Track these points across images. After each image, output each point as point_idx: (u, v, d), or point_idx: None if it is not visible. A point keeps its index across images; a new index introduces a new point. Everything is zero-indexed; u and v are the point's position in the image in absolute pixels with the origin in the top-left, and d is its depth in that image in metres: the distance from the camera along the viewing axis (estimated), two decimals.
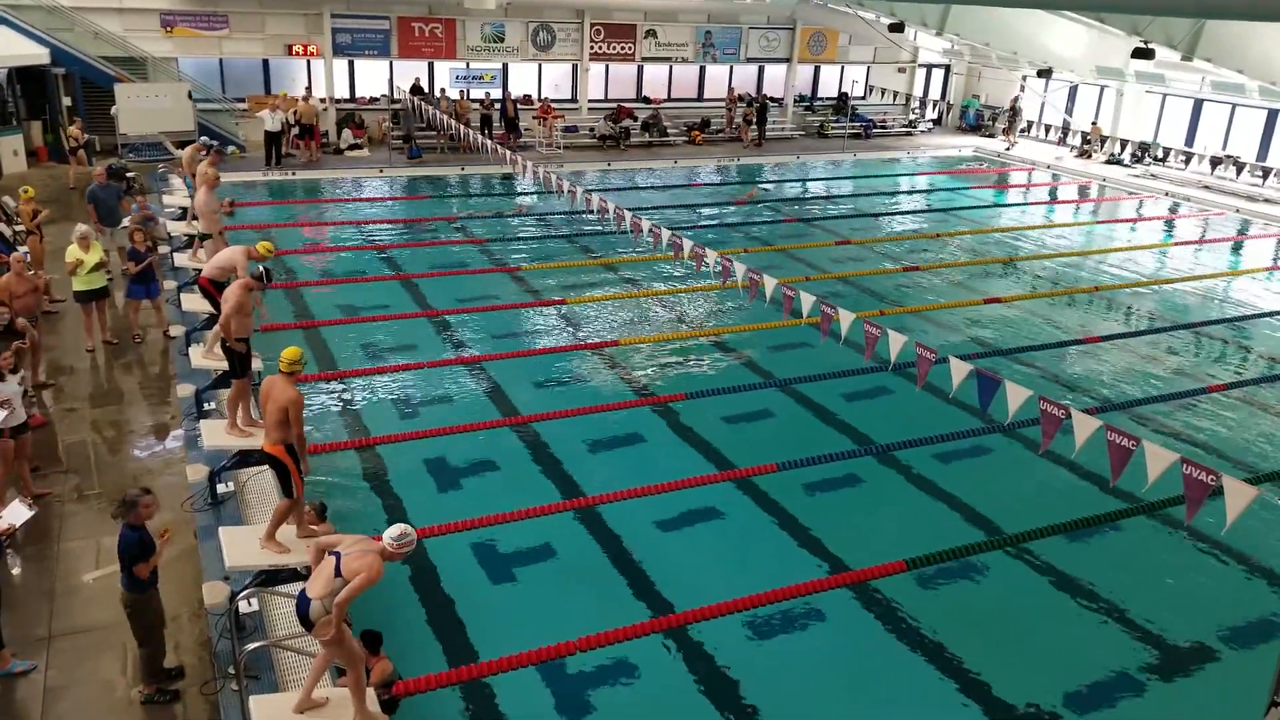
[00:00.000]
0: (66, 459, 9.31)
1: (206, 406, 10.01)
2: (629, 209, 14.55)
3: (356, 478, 9.45)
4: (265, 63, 24.78)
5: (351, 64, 25.61)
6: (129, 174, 17.37)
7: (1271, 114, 25.03)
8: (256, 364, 9.91)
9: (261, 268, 9.29)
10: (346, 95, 25.76)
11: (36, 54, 20.48)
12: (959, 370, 8.36)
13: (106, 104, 21.43)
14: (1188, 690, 7.24)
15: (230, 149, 22.78)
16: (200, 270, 11.22)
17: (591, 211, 15.79)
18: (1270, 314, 16.18)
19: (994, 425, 10.52)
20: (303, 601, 5.64)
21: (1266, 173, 24.60)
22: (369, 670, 6.44)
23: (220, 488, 8.54)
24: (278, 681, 6.45)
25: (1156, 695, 7.15)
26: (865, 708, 6.96)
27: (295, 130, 22.92)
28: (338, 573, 5.58)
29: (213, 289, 10.20)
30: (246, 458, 8.44)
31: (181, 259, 13.68)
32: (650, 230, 13.51)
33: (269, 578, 6.92)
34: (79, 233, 11.57)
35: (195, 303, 11.88)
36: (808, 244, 18.81)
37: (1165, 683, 7.29)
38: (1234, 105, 25.93)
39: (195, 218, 13.71)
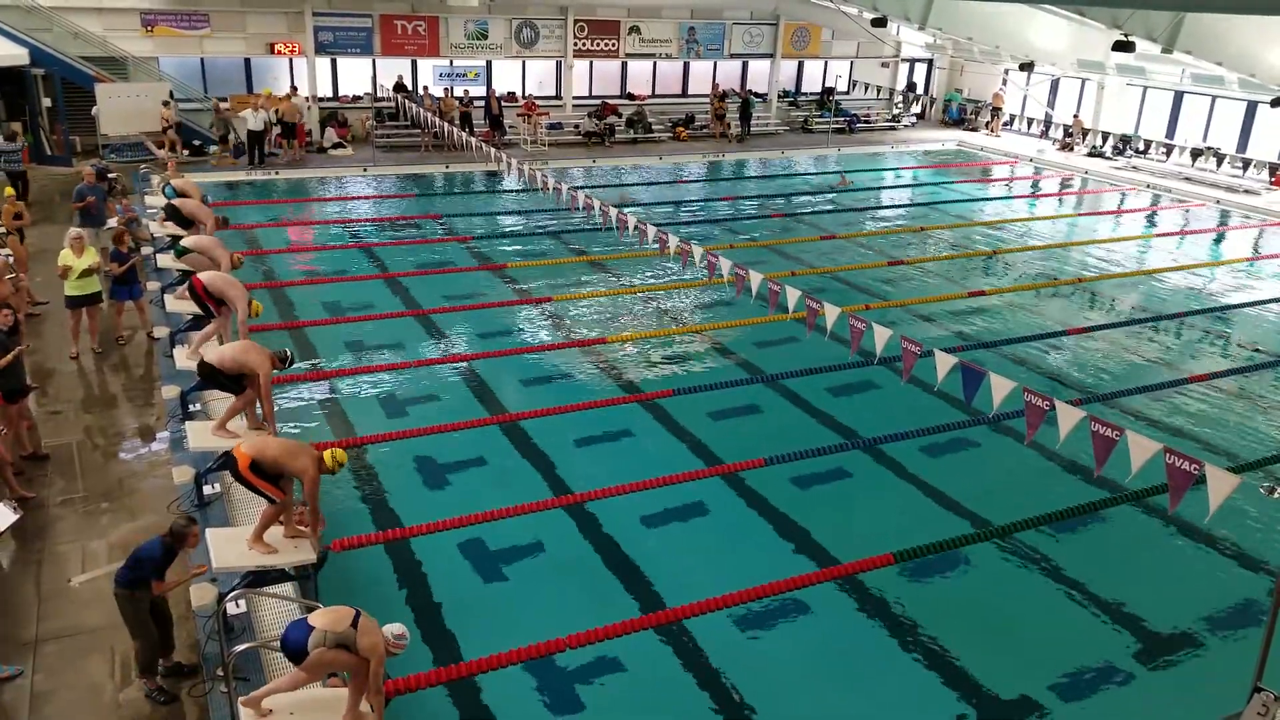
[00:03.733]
0: (52, 462, 9.24)
1: (192, 408, 9.96)
2: (614, 205, 14.57)
3: (344, 477, 9.41)
4: (247, 61, 24.63)
5: (334, 62, 25.49)
6: (111, 175, 17.25)
7: (1251, 106, 25.25)
8: None
9: (287, 350, 8.87)
10: (329, 94, 25.65)
11: (15, 55, 20.27)
12: (944, 363, 8.42)
13: (87, 104, 21.26)
14: (1172, 677, 7.32)
15: (212, 149, 22.69)
16: (192, 271, 11.11)
17: (577, 208, 15.79)
18: (1251, 304, 16.33)
19: (979, 417, 10.59)
20: (301, 629, 5.55)
21: (1246, 164, 24.82)
22: None
23: (207, 489, 8.50)
24: (266, 682, 6.42)
25: (1141, 682, 7.22)
26: (854, 700, 6.99)
27: (278, 129, 22.80)
28: (354, 624, 5.55)
29: (205, 294, 10.09)
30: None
31: (165, 260, 13.58)
32: (636, 226, 13.53)
33: (257, 579, 6.89)
34: (71, 235, 11.41)
35: (179, 304, 11.78)
36: (793, 239, 18.86)
37: (1150, 670, 7.36)
38: (1214, 97, 26.14)
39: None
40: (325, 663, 5.55)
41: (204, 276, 10.23)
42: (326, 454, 7.04)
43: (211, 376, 8.56)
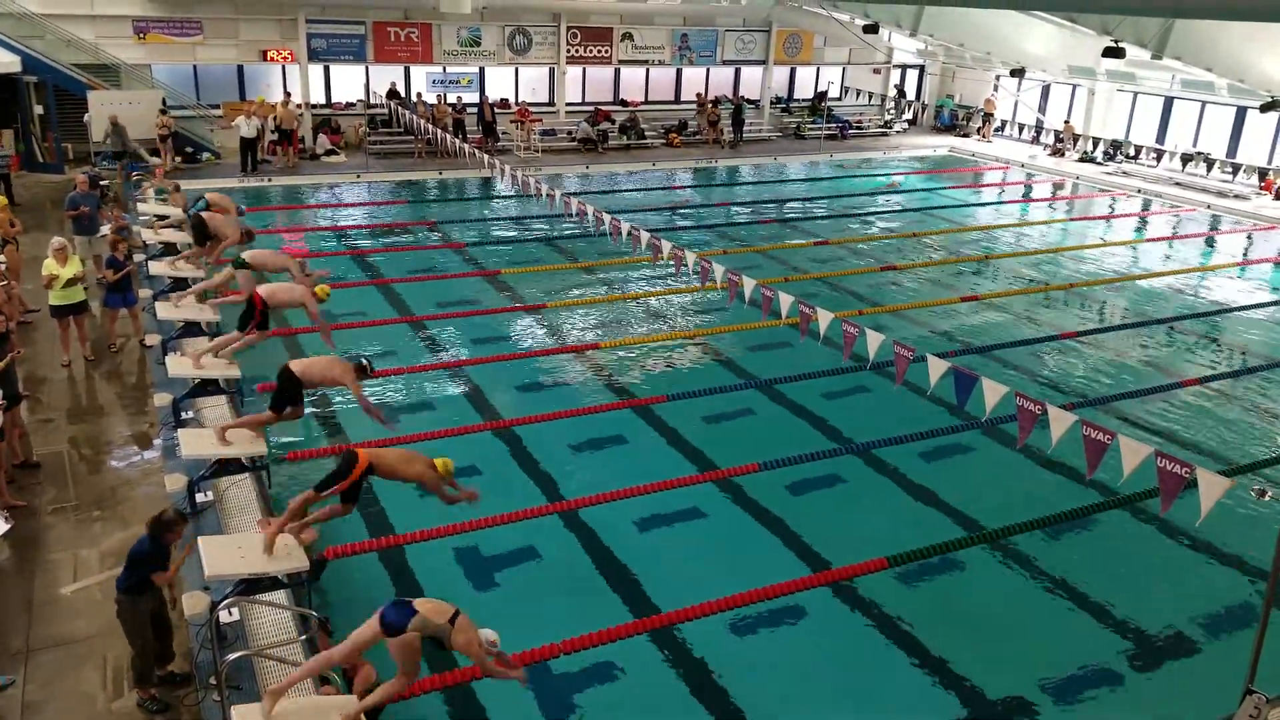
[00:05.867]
0: (43, 471, 9.21)
1: (184, 415, 9.94)
2: (608, 212, 14.59)
3: None
4: (240, 69, 24.64)
5: (327, 69, 25.50)
6: (103, 182, 17.23)
7: (1240, 111, 25.40)
8: None
9: (364, 360, 8.83)
10: (322, 100, 25.65)
11: (7, 62, 20.25)
12: (936, 368, 8.46)
13: (79, 112, 21.22)
14: (1165, 680, 7.34)
15: (205, 155, 22.71)
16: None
17: (571, 215, 15.82)
18: (1241, 308, 16.43)
19: (972, 422, 10.62)
20: (403, 610, 5.60)
21: (1236, 169, 24.97)
22: (352, 679, 6.41)
23: (199, 497, 8.47)
24: (259, 691, 6.40)
25: (1135, 685, 7.24)
26: (848, 702, 7.00)
27: (274, 136, 22.82)
28: (451, 620, 5.62)
29: (261, 306, 9.89)
30: (225, 466, 8.38)
31: (157, 267, 13.54)
32: (630, 232, 13.55)
33: (249, 587, 6.87)
34: (55, 245, 11.38)
35: (171, 311, 11.76)
36: (786, 245, 18.91)
37: (1143, 673, 7.38)
38: (1204, 103, 26.31)
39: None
40: (410, 648, 5.61)
41: (265, 290, 10.06)
42: (439, 461, 7.33)
43: (290, 384, 8.36)
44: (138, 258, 14.42)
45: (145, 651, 6.36)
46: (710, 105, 28.76)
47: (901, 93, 33.82)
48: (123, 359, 11.96)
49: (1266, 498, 9.64)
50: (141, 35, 22.77)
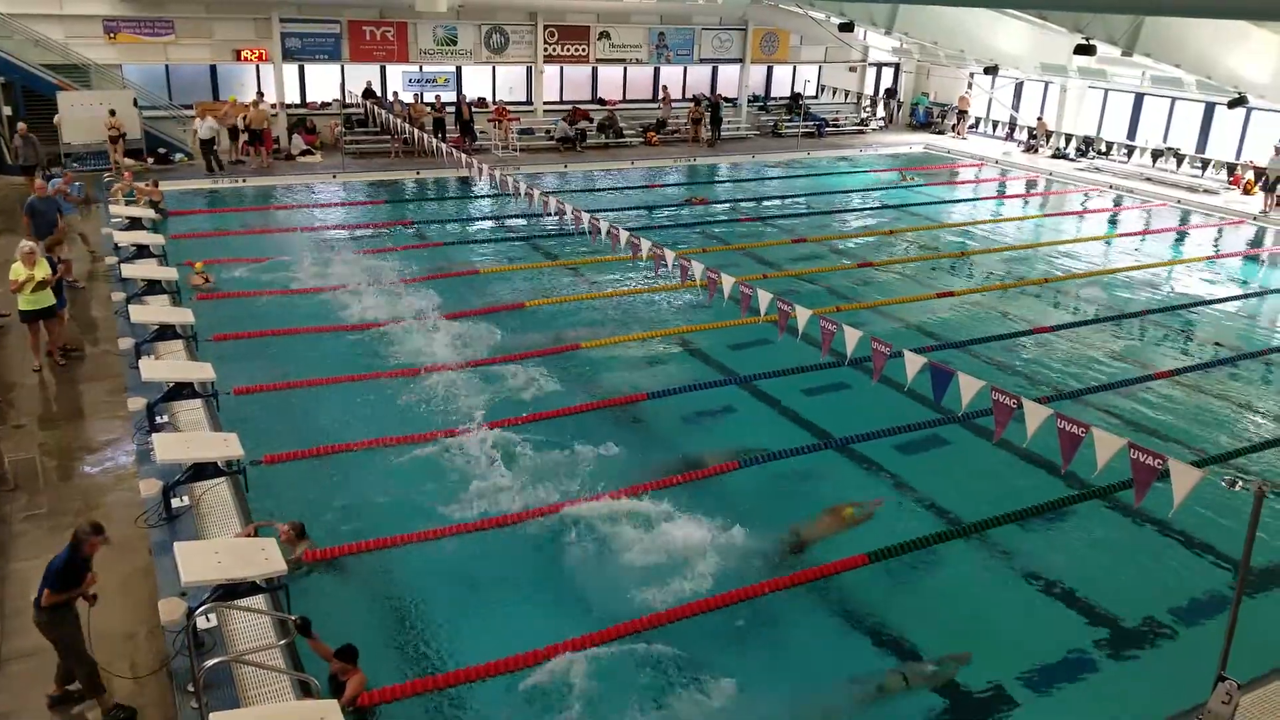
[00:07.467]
0: (14, 477, 9.07)
1: (158, 420, 9.83)
2: (587, 210, 14.56)
3: (319, 488, 9.34)
4: (213, 68, 24.38)
5: (302, 69, 25.30)
6: (77, 183, 16.96)
7: (1209, 107, 25.75)
8: None
9: None
10: (297, 100, 25.44)
11: None
12: (913, 363, 8.51)
13: (49, 113, 20.91)
14: (1139, 667, 7.43)
15: (178, 156, 22.46)
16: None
17: (550, 214, 15.78)
18: (1212, 301, 16.65)
19: (949, 416, 10.70)
20: None
21: (1205, 164, 25.31)
22: (344, 683, 6.38)
23: (175, 502, 8.38)
24: (237, 697, 6.36)
25: (1109, 674, 7.33)
26: (828, 695, 7.03)
27: (246, 136, 22.60)
28: None
29: None
30: (200, 471, 8.29)
31: (130, 270, 13.38)
32: (609, 231, 13.54)
33: (226, 593, 6.79)
34: (23, 249, 11.21)
35: (144, 314, 11.62)
36: (765, 243, 18.97)
37: (1117, 661, 7.47)
38: (1173, 99, 26.65)
39: None
40: None
41: None
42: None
43: None
44: (110, 260, 14.25)
45: (82, 661, 6.20)
46: (693, 104, 28.81)
47: (892, 92, 33.93)
48: (94, 363, 11.78)
49: (1237, 488, 9.74)
50: (112, 35, 22.49)
